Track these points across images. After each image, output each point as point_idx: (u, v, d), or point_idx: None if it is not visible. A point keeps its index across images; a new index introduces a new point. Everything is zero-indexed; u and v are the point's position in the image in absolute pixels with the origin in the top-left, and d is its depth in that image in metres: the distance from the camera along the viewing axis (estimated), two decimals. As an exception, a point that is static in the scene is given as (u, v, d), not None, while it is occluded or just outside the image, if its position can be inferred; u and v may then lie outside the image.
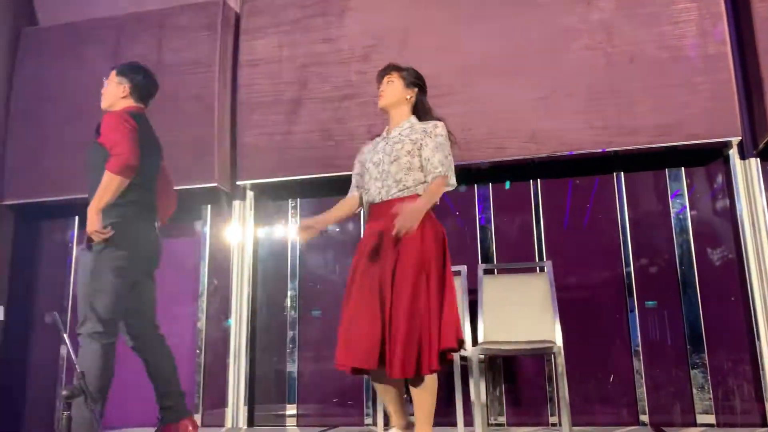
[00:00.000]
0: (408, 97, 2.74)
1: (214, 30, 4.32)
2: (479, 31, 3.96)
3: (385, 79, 2.75)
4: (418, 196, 2.52)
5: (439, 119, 2.71)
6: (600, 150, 3.69)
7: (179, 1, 4.47)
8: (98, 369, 2.62)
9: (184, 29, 4.38)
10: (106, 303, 2.70)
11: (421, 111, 2.76)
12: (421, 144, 2.60)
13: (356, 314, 2.43)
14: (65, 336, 2.29)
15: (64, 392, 2.10)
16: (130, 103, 3.03)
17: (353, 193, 2.81)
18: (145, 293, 2.96)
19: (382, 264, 2.47)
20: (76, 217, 4.63)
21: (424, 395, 2.44)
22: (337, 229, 4.26)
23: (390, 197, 2.56)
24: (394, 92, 2.73)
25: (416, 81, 2.77)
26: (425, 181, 2.58)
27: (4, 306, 4.42)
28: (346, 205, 2.80)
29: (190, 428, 2.81)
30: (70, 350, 2.29)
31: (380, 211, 2.58)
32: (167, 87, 4.28)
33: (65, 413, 2.06)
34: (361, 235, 2.73)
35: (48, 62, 4.59)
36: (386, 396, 2.61)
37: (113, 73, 3.09)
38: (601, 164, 3.89)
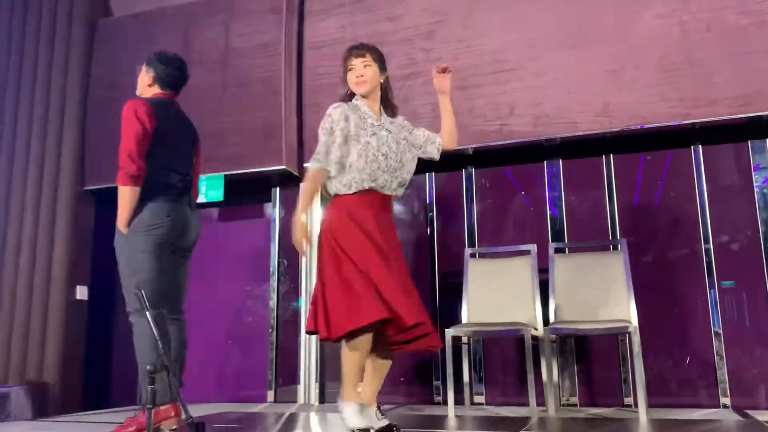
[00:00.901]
0: (381, 81, 2.67)
1: (279, 13, 4.37)
2: (546, 3, 3.85)
3: (360, 62, 2.61)
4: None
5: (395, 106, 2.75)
6: (676, 123, 3.54)
7: (245, -14, 4.54)
8: (153, 339, 2.60)
9: (251, 13, 4.45)
10: (144, 281, 2.75)
11: (387, 97, 2.71)
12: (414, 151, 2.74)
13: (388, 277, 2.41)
14: (148, 313, 2.39)
15: (148, 367, 2.19)
16: (156, 90, 3.09)
17: (329, 167, 2.54)
18: (178, 274, 3.02)
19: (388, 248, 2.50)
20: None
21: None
22: (407, 217, 4.27)
23: (391, 193, 2.62)
24: (374, 77, 2.62)
25: (385, 64, 2.70)
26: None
27: (87, 287, 4.65)
28: (319, 183, 2.59)
29: (173, 413, 2.79)
30: (152, 326, 2.38)
31: (386, 202, 2.62)
32: (235, 72, 4.39)
33: (150, 387, 2.15)
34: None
35: (122, 51, 4.75)
36: (363, 363, 2.49)
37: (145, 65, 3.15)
38: (676, 138, 3.74)
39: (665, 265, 3.70)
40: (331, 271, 2.44)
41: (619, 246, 3.57)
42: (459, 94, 3.91)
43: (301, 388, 4.14)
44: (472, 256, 3.79)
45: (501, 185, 4.09)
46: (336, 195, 2.58)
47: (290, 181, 4.46)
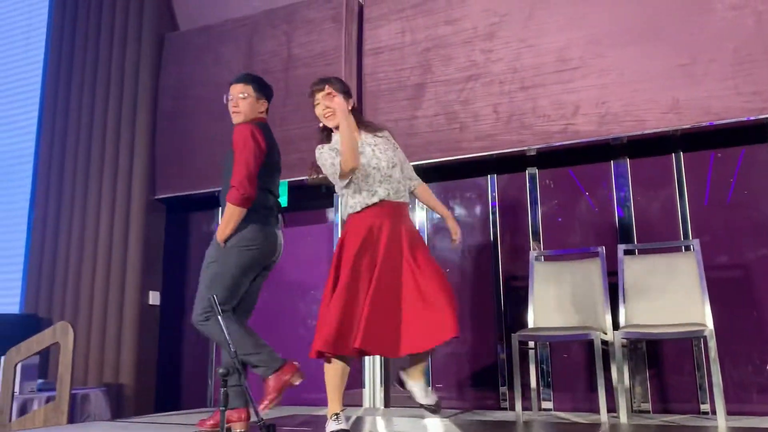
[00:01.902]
0: (350, 108, 2.76)
1: (339, 21, 4.42)
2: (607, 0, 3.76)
3: (322, 95, 2.73)
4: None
5: (378, 125, 2.90)
6: (750, 118, 3.39)
7: (305, -4, 4.62)
8: (231, 335, 2.68)
9: (311, 22, 4.52)
10: (222, 293, 2.83)
11: (360, 118, 2.89)
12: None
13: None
14: (220, 318, 2.45)
15: (221, 370, 2.25)
16: (264, 115, 3.17)
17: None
18: (254, 284, 3.10)
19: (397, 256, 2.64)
20: (220, 209, 4.93)
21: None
22: (469, 219, 4.24)
23: (399, 200, 2.72)
24: (342, 105, 2.70)
25: (348, 90, 2.82)
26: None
27: (160, 292, 4.82)
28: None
29: (243, 416, 2.90)
30: (224, 330, 2.44)
31: (399, 210, 2.73)
32: (297, 81, 4.47)
33: (223, 389, 2.20)
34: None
35: (188, 64, 4.92)
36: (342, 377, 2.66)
37: (246, 86, 3.10)
38: (751, 133, 3.58)
39: (741, 267, 3.54)
40: (327, 288, 2.61)
41: (691, 247, 3.45)
42: (521, 94, 3.87)
43: (366, 391, 4.16)
44: (538, 258, 3.73)
45: (565, 186, 4.01)
46: (348, 216, 2.72)
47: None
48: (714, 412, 3.05)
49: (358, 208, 2.66)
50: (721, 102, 3.43)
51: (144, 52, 4.96)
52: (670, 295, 3.29)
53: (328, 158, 2.68)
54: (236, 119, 3.08)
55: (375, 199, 2.66)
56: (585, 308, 3.45)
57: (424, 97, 4.16)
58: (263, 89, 3.15)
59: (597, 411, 3.22)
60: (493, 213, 4.14)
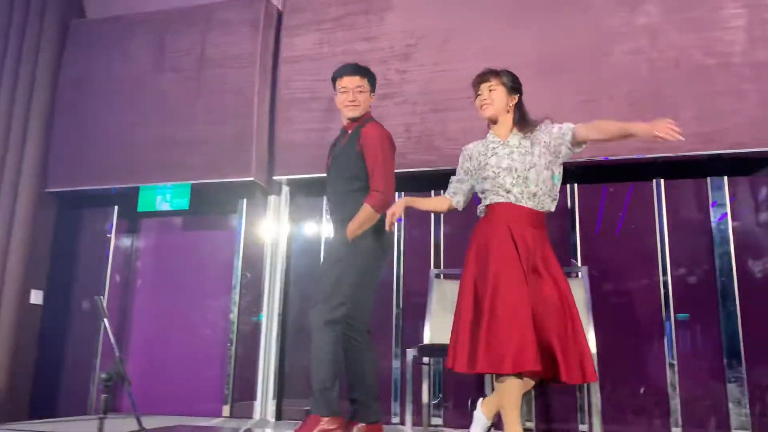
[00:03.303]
0: (511, 104, 2.67)
1: (256, 26, 4.37)
2: (520, 33, 3.94)
3: (486, 86, 2.66)
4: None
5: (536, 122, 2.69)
6: (638, 156, 3.63)
7: (223, -3, 4.54)
8: (331, 355, 2.74)
9: (228, 24, 4.45)
10: (349, 293, 2.80)
11: (521, 115, 2.69)
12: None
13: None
14: (106, 320, 2.34)
15: (103, 375, 2.15)
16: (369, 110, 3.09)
17: (450, 197, 2.78)
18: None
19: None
20: (116, 207, 4.73)
21: None
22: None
23: (535, 207, 2.57)
24: (500, 99, 2.63)
25: (517, 85, 2.70)
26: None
27: (43, 291, 4.53)
28: (440, 203, 2.81)
29: (334, 426, 2.78)
30: (110, 334, 2.33)
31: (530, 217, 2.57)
32: (209, 81, 4.38)
33: (104, 396, 2.10)
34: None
35: (94, 54, 4.70)
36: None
37: (362, 79, 3.02)
38: (639, 170, 3.84)
39: (624, 295, 3.77)
40: (458, 299, 2.55)
41: (579, 274, 3.63)
42: (433, 116, 3.96)
43: (257, 404, 4.08)
44: (437, 276, 3.80)
45: (469, 209, 4.11)
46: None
47: (257, 194, 4.43)
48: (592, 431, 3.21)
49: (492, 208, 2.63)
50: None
51: (45, 36, 4.68)
52: (559, 318, 3.43)
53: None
54: (353, 113, 2.99)
55: (509, 200, 2.58)
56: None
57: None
58: (375, 84, 3.07)
59: (484, 428, 3.30)
60: (399, 229, 4.20)
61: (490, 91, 2.64)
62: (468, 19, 4.05)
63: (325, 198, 4.37)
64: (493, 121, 2.68)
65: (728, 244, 3.64)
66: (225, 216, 4.58)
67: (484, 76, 2.67)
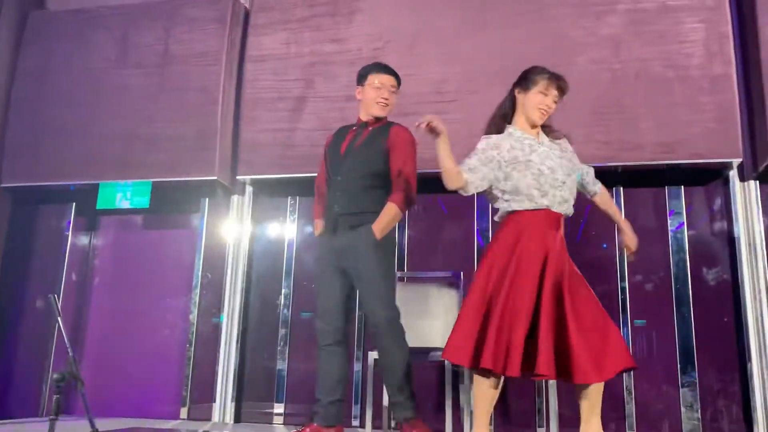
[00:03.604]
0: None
1: (223, 23, 4.32)
2: (486, 39, 3.98)
3: (554, 96, 2.66)
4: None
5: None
6: (599, 164, 3.68)
7: (189, -7, 4.47)
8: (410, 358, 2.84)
9: (193, 21, 4.38)
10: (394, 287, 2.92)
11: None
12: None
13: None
14: (60, 320, 2.28)
15: (55, 376, 2.09)
16: None
17: (466, 176, 2.50)
18: None
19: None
20: (73, 204, 4.61)
21: None
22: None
23: (563, 212, 2.54)
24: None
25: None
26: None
27: (-6, 288, 4.40)
28: (456, 171, 2.50)
29: None
30: (63, 333, 2.27)
31: (557, 221, 2.52)
32: (172, 78, 4.31)
33: (56, 396, 2.04)
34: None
35: (53, 46, 4.58)
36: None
37: (396, 81, 3.06)
38: (600, 178, 3.88)
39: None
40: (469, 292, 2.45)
41: (541, 279, 3.67)
42: (400, 120, 3.95)
43: (216, 406, 4.03)
44: (400, 279, 3.80)
45: (434, 213, 4.14)
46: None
47: (220, 193, 4.38)
48: (549, 435, 3.25)
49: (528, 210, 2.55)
50: (576, 147, 3.70)
51: (2, 27, 4.54)
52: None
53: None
54: (382, 112, 3.00)
55: (543, 204, 2.52)
56: (443, 332, 3.56)
57: (305, 110, 4.15)
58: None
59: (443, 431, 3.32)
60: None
61: (554, 102, 2.65)
62: (434, 24, 4.07)
63: (288, 199, 4.34)
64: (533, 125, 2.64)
65: (684, 252, 3.74)
66: (186, 215, 4.50)
67: (563, 89, 2.67)
